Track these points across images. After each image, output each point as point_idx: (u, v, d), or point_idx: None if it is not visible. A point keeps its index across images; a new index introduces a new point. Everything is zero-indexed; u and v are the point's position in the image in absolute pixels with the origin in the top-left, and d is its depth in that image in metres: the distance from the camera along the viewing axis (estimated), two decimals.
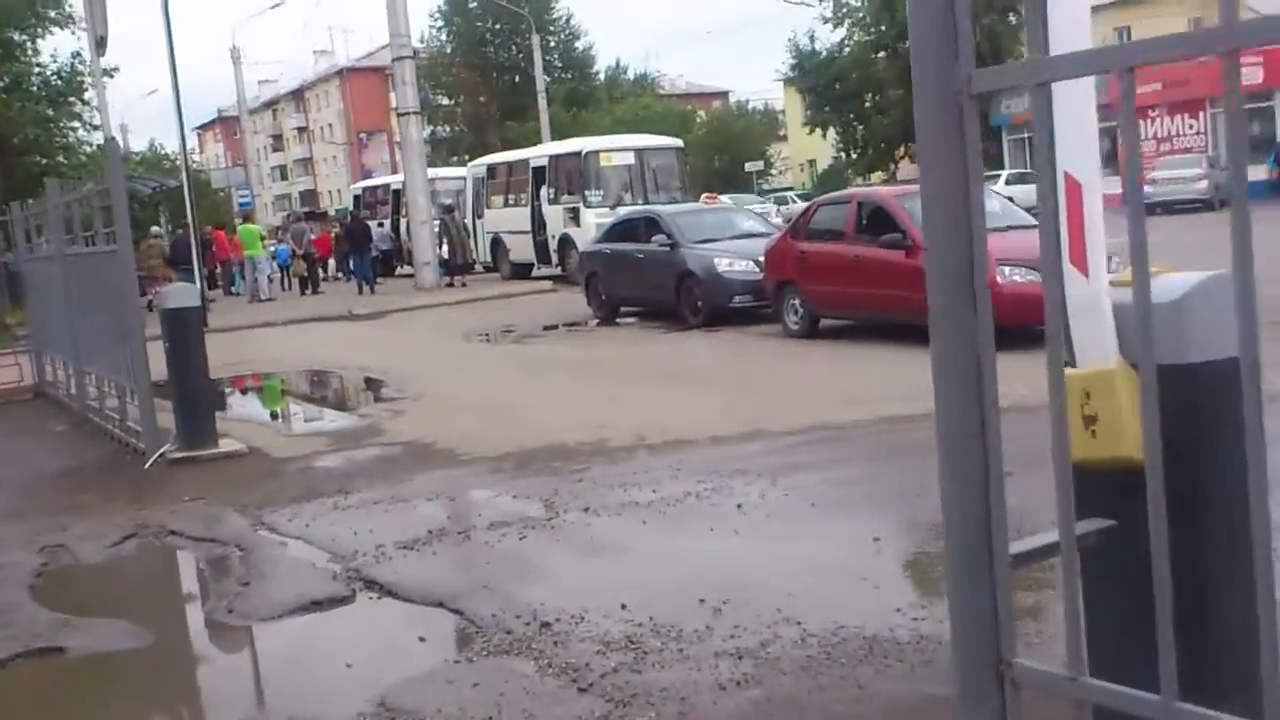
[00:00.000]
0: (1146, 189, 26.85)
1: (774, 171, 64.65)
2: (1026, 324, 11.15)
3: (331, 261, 31.56)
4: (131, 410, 9.23)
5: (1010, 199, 14.46)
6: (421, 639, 4.69)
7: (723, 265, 14.74)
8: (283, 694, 4.50)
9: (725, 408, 9.26)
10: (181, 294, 9.18)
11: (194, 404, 8.82)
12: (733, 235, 15.72)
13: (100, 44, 16.99)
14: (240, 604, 5.35)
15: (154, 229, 24.74)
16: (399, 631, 4.85)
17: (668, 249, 15.40)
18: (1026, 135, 43.71)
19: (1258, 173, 36.32)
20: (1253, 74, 36.82)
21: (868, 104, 48.91)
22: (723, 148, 60.01)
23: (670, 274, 15.30)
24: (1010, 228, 12.00)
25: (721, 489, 6.74)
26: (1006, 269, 10.93)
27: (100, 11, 16.37)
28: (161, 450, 8.59)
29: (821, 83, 50.10)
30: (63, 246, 10.94)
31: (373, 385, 12.74)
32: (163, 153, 59.20)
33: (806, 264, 13.05)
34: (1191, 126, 39.08)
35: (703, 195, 35.69)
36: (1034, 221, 12.46)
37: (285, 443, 9.63)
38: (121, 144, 50.10)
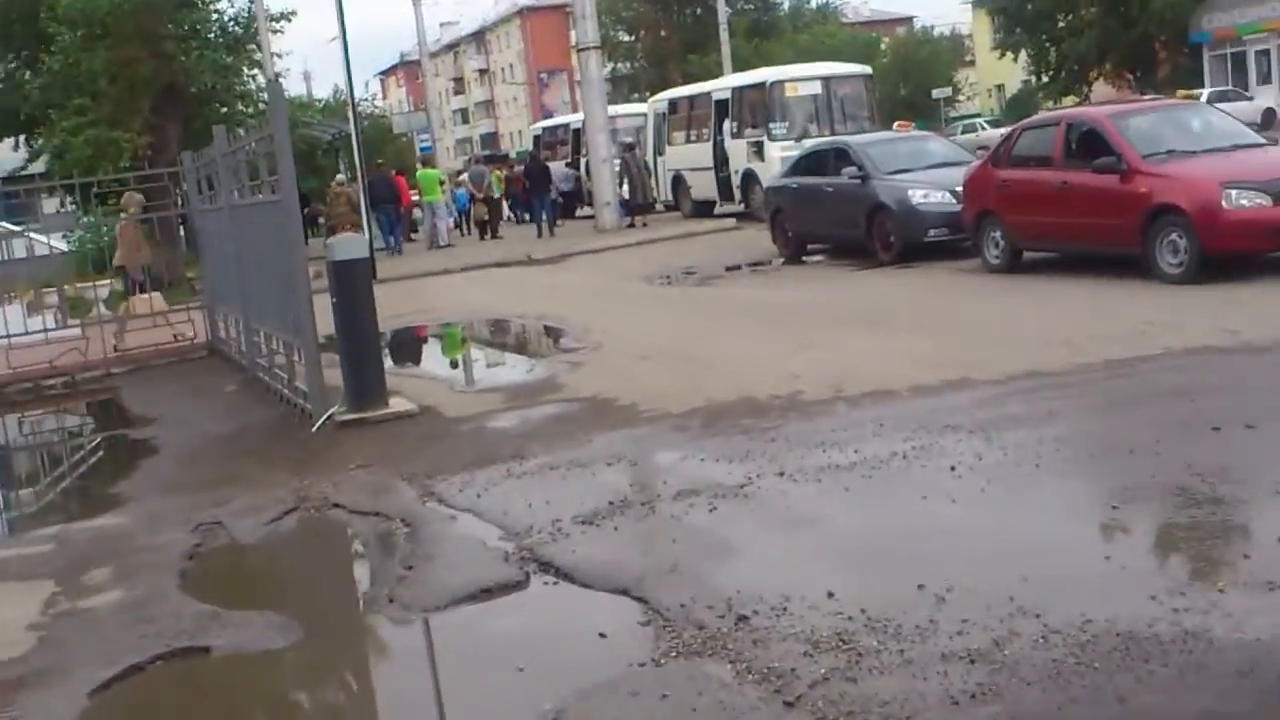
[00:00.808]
0: None
1: (962, 98, 62.08)
2: (1256, 250, 10.20)
3: (504, 205, 31.35)
4: (299, 369, 8.89)
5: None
6: (602, 635, 4.17)
7: (917, 197, 13.79)
8: (444, 706, 4.04)
9: (927, 353, 8.47)
10: (348, 245, 8.72)
11: (362, 362, 8.42)
12: (928, 165, 14.68)
13: None
14: (403, 592, 4.89)
15: (339, 176, 24.79)
16: (577, 625, 4.34)
17: (858, 181, 14.49)
18: (1229, 51, 40.81)
19: None
20: None
21: (1061, 24, 46.32)
22: (908, 75, 57.85)
23: (861, 208, 14.40)
24: (1236, 147, 10.85)
25: (931, 448, 6.03)
26: (1233, 192, 9.81)
27: None
28: (329, 412, 8.26)
29: (1013, 3, 47.63)
30: (230, 197, 10.66)
31: (550, 334, 12.32)
32: (344, 99, 60.35)
33: (1009, 193, 12.01)
34: None
35: (895, 124, 34.19)
36: (1263, 140, 11.29)
37: (459, 400, 9.20)
38: (305, 90, 51.22)
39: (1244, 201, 9.78)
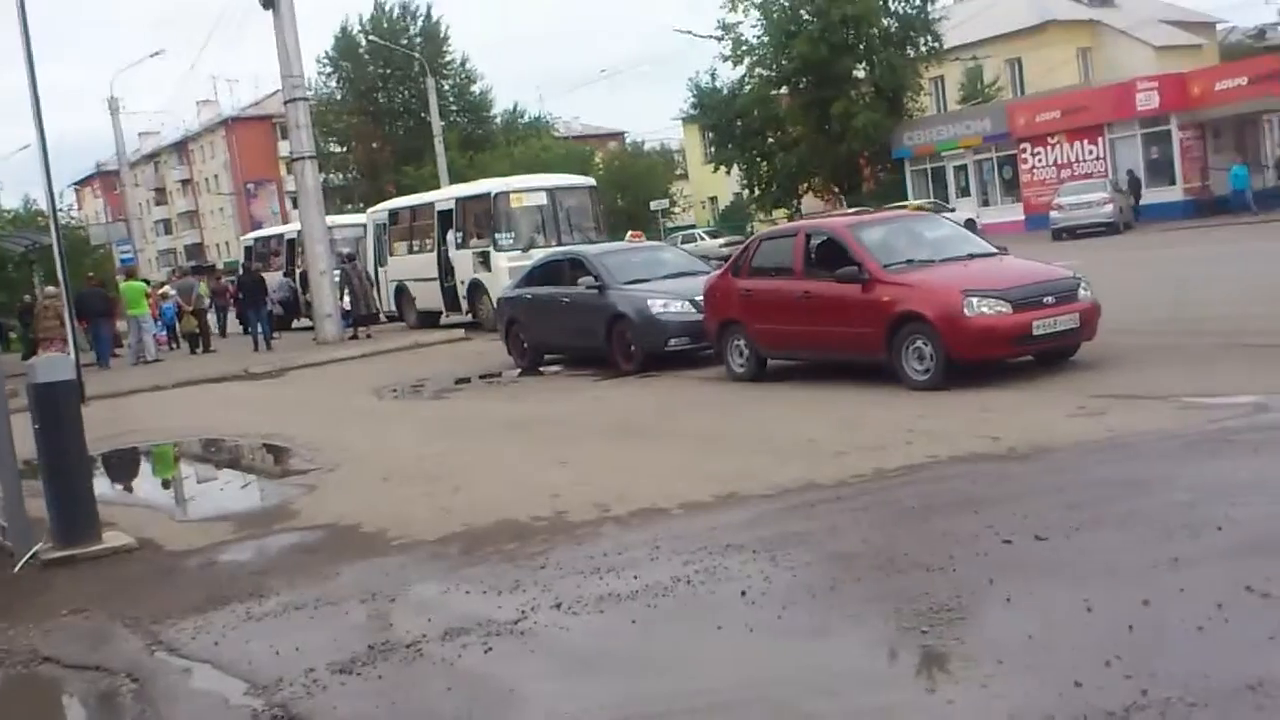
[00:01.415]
0: (1054, 214, 27.22)
1: (677, 210, 64.27)
2: (999, 356, 10.60)
3: (211, 318, 29.83)
4: None
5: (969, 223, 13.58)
6: None
7: (657, 306, 13.75)
8: None
9: (689, 466, 8.20)
10: (52, 366, 7.75)
11: (70, 491, 7.44)
12: (664, 275, 14.71)
13: None
14: None
15: (49, 289, 22.90)
16: None
17: (595, 291, 14.36)
18: (929, 166, 44.03)
19: (1168, 194, 36.99)
20: (1148, 99, 37.56)
21: (770, 140, 48.75)
22: (625, 187, 59.32)
23: (599, 318, 14.24)
24: (971, 256, 11.27)
25: (715, 571, 5.66)
26: (974, 300, 10.14)
27: None
28: (33, 550, 7.23)
29: (723, 120, 49.84)
30: None
31: (278, 455, 11.36)
32: (36, 209, 56.49)
33: (752, 302, 12.10)
34: (1091, 152, 39.69)
35: (628, 234, 34.62)
36: (994, 249, 11.86)
37: (182, 531, 8.24)
38: None
39: (985, 309, 10.09)
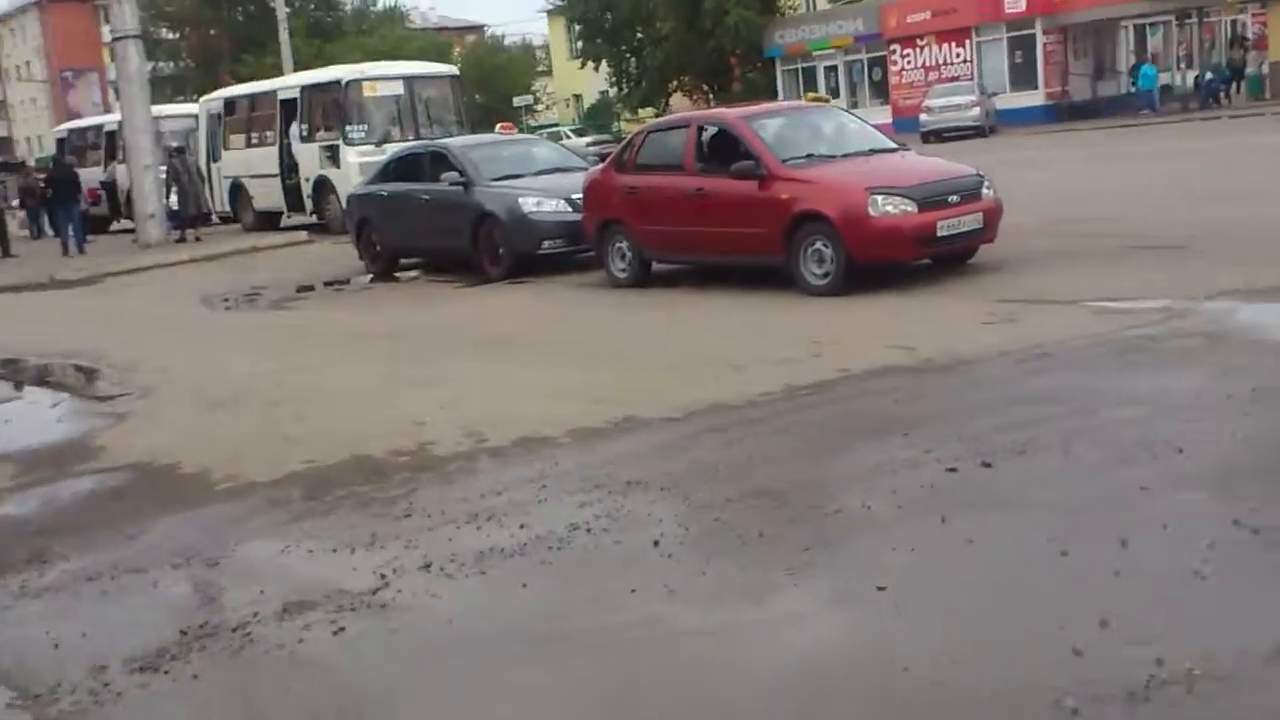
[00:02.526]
0: (923, 117, 27.32)
1: (540, 107, 62.79)
2: (903, 259, 10.02)
3: (21, 215, 27.58)
4: None
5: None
6: None
7: (529, 205, 12.75)
8: None
9: (576, 385, 7.33)
10: None
11: None
12: (537, 171, 13.74)
13: None
14: None
15: None
16: None
17: (460, 188, 13.28)
18: (800, 65, 43.71)
19: (1030, 98, 37.60)
20: (1016, 2, 37.89)
21: (639, 36, 47.77)
22: (484, 83, 57.55)
23: (465, 217, 13.18)
24: (874, 151, 10.68)
25: (619, 515, 4.81)
26: (879, 199, 9.54)
27: None
28: None
29: (590, 13, 48.51)
30: None
31: (84, 376, 9.86)
32: None
33: (638, 201, 11.23)
34: (959, 55, 39.96)
35: (498, 126, 33.19)
36: (894, 145, 11.22)
37: None
38: None
39: (890, 208, 9.56)
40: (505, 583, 4.25)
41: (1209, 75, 36.33)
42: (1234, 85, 36.48)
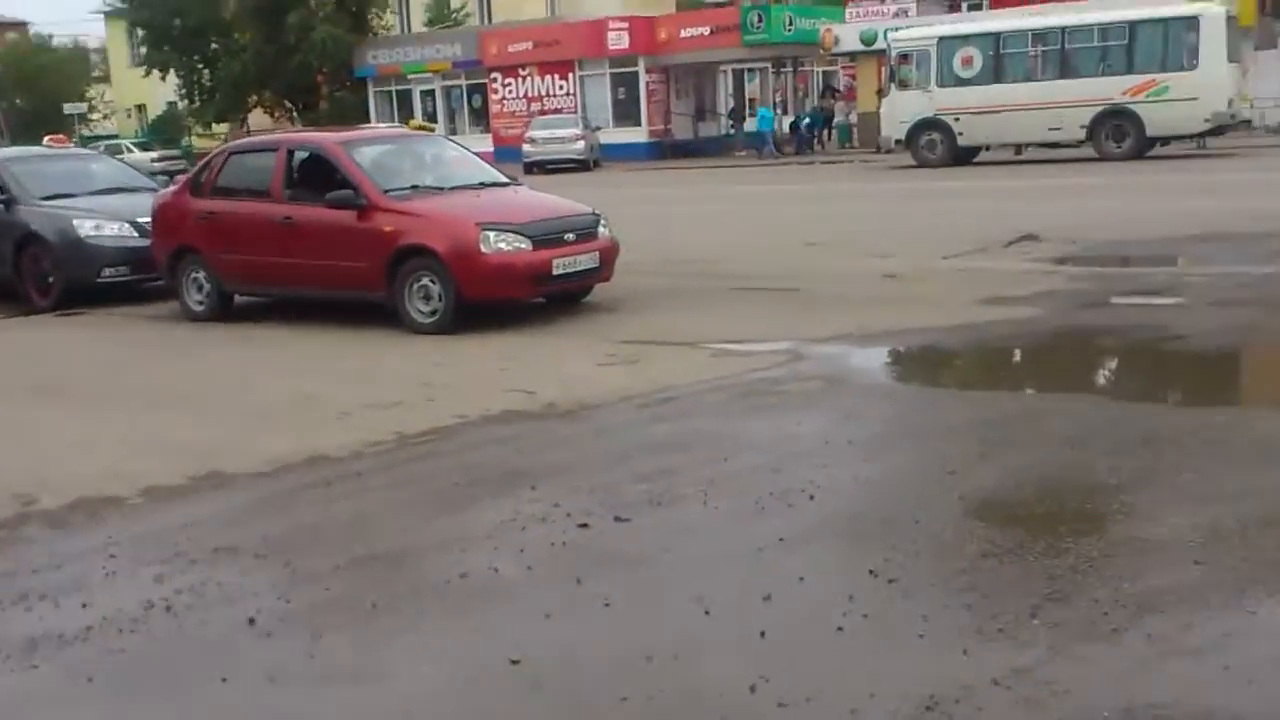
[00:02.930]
0: (526, 148, 28.13)
1: (95, 116, 59.12)
2: (516, 297, 9.98)
3: None
4: None
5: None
6: None
7: (87, 228, 11.90)
8: None
9: (147, 435, 6.75)
10: None
11: None
12: (95, 190, 12.85)
13: None
14: None
15: None
16: None
17: (1, 207, 12.29)
18: (395, 88, 43.65)
19: (633, 134, 39.44)
20: (619, 39, 39.70)
21: (215, 45, 45.99)
22: (29, 87, 53.54)
23: (5, 239, 12.12)
24: (483, 185, 10.76)
25: (205, 589, 4.39)
26: (491, 234, 9.58)
27: None
28: None
29: (157, 18, 46.33)
30: None
31: None
32: None
33: (217, 227, 10.65)
34: (561, 87, 41.33)
35: (45, 138, 30.45)
36: (506, 179, 11.21)
37: None
38: None
39: (503, 245, 9.57)
40: (62, 680, 3.72)
41: (806, 121, 39.37)
42: (825, 132, 39.72)
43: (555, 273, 9.71)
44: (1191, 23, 24.38)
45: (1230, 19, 25.22)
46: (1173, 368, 7.68)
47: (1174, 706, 3.20)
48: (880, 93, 32.54)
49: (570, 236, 9.92)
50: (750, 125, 40.25)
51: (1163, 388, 7.37)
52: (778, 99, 41.04)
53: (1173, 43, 24.65)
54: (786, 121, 40.29)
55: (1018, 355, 8.36)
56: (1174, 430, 5.79)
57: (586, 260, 9.98)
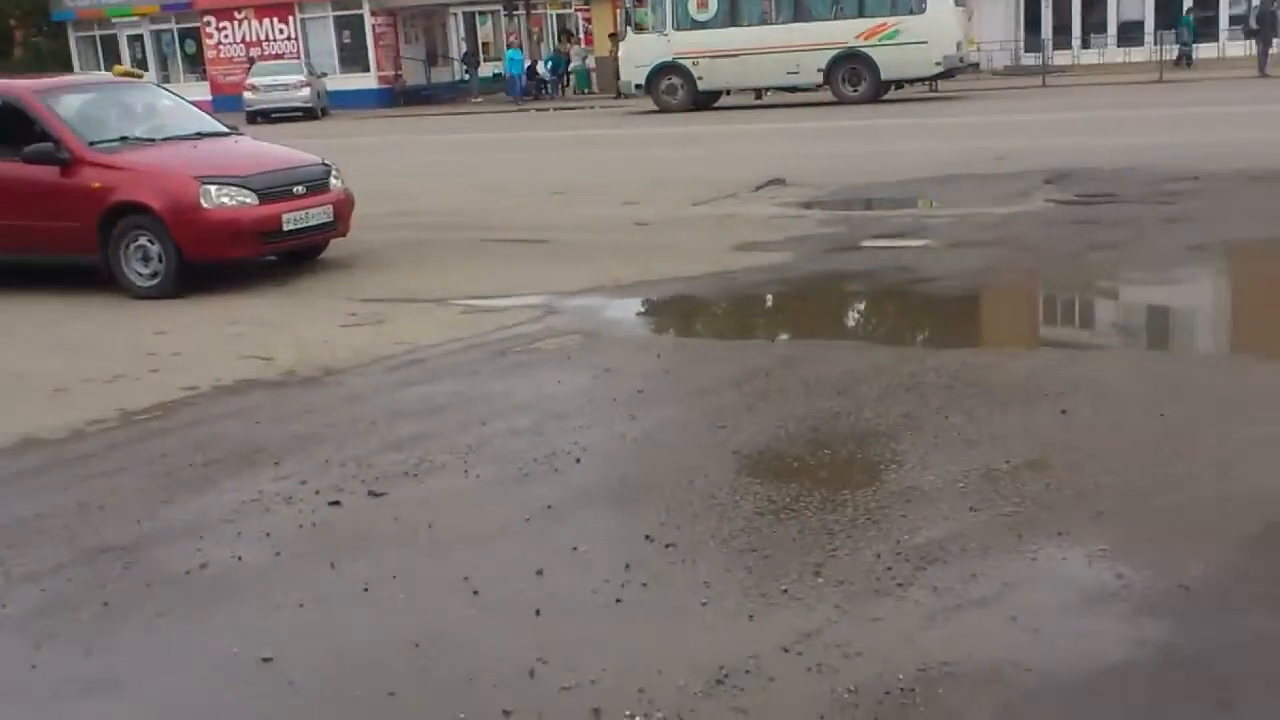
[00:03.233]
0: (247, 95, 27.16)
1: None
2: (244, 256, 9.51)
3: None
4: None
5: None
6: None
7: None
8: None
9: None
10: None
11: None
12: None
13: None
14: None
15: None
16: None
17: None
18: (99, 33, 41.46)
19: (362, 80, 38.57)
20: None
21: None
22: None
23: None
24: (200, 135, 10.20)
25: None
26: (213, 189, 9.14)
27: None
28: None
29: None
30: None
31: None
32: None
33: None
34: (282, 31, 40.08)
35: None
36: (226, 129, 10.64)
37: None
38: None
39: (226, 200, 9.16)
40: None
41: (550, 64, 39.11)
42: (564, 77, 39.56)
43: (285, 228, 9.35)
44: None
45: None
46: (928, 311, 7.87)
47: (966, 662, 3.20)
48: (614, 36, 32.62)
49: (300, 189, 9.56)
50: (485, 71, 39.81)
51: (920, 331, 7.56)
52: (512, 41, 40.70)
53: None
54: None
55: (775, 302, 8.42)
56: (935, 374, 5.89)
57: (319, 214, 9.63)
